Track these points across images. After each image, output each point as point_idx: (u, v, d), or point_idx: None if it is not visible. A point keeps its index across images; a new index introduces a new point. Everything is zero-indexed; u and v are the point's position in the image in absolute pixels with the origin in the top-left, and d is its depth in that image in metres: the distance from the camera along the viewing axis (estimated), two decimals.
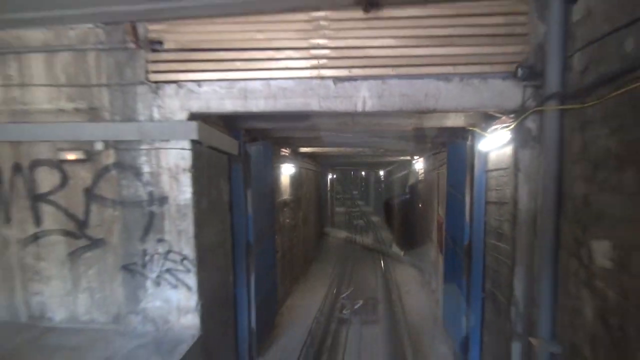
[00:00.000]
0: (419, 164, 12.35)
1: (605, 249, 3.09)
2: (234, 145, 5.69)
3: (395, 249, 15.87)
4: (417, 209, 12.84)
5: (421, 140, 8.00)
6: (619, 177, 2.90)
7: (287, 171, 9.75)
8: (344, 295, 9.96)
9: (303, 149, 10.75)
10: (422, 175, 11.80)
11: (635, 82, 2.65)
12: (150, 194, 4.63)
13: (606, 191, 3.06)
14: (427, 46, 4.18)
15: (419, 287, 10.92)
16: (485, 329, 5.49)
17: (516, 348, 4.43)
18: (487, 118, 4.92)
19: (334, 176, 30.37)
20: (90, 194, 4.72)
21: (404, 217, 14.60)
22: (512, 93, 4.14)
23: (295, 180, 10.97)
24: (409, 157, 13.34)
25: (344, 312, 8.85)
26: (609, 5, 3.06)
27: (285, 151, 9.28)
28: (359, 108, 4.36)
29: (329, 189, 25.32)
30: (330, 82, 4.35)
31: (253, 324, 6.09)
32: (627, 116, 2.82)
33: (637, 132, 2.70)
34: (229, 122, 5.49)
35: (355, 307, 8.99)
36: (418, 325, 7.98)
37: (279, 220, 8.78)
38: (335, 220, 27.02)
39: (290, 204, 10.38)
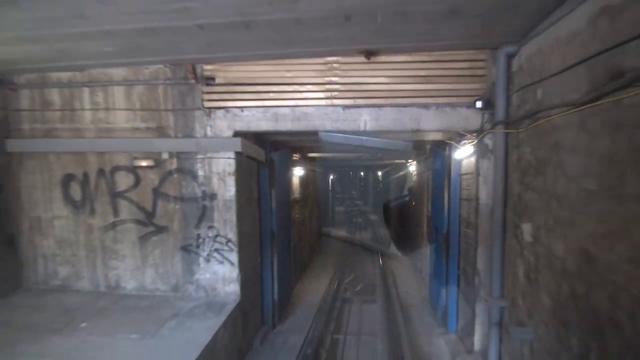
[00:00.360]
0: (412, 167, 13.85)
1: (528, 229, 4.58)
2: (262, 154, 7.18)
3: (394, 249, 17.00)
4: (414, 209, 14.31)
5: (412, 149, 9.46)
6: (535, 181, 4.39)
7: (297, 173, 11.23)
8: (346, 280, 11.44)
9: (310, 154, 12.24)
10: (416, 177, 13.29)
11: (541, 119, 4.15)
12: (204, 192, 6.12)
13: (529, 190, 4.56)
14: (411, 83, 5.67)
15: (411, 276, 12.40)
16: (460, 297, 6.97)
17: (479, 307, 5.93)
18: (460, 135, 6.41)
19: (334, 177, 31.80)
20: (157, 192, 6.21)
21: (403, 220, 15.90)
22: (474, 118, 5.64)
23: (303, 181, 12.46)
24: (404, 160, 14.84)
25: (347, 293, 10.34)
26: (529, 65, 4.56)
27: (296, 156, 10.76)
28: (361, 128, 5.85)
29: (330, 188, 26.80)
30: (340, 109, 5.84)
31: (275, 297, 7.58)
32: (537, 141, 4.32)
33: (542, 152, 4.20)
34: (259, 136, 6.97)
35: (356, 289, 10.47)
36: (409, 303, 9.47)
37: (291, 215, 10.26)
38: (335, 219, 28.52)
39: (300, 201, 11.87)
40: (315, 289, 10.67)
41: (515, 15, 4.10)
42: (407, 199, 15.98)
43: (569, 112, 3.55)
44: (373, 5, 3.83)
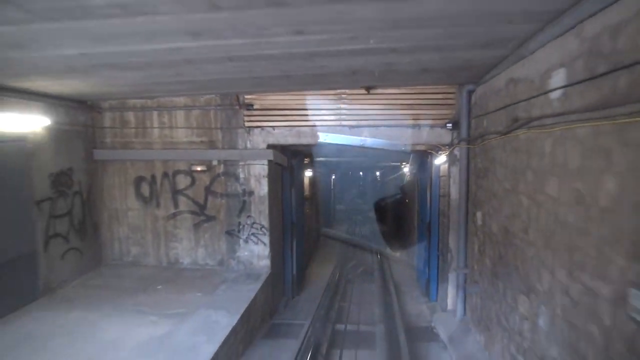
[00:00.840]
0: (406, 169, 15.83)
1: (480, 216, 6.56)
2: (285, 160, 9.15)
3: (388, 250, 18.74)
4: (406, 206, 16.25)
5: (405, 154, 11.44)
6: (483, 182, 6.37)
7: (308, 174, 13.21)
8: (348, 266, 13.43)
9: (318, 158, 14.21)
10: (408, 177, 15.27)
11: (485, 140, 6.12)
12: (244, 190, 8.08)
13: (480, 189, 6.53)
14: (400, 109, 7.63)
15: (404, 263, 14.40)
16: (439, 273, 8.95)
17: (451, 277, 7.90)
18: (437, 147, 8.38)
19: (336, 177, 33.74)
20: (208, 190, 8.18)
21: (396, 216, 17.86)
22: (446, 135, 7.62)
23: (312, 181, 14.44)
24: (398, 163, 16.82)
25: (349, 275, 12.31)
26: (480, 101, 6.54)
27: (307, 160, 12.73)
28: (363, 143, 7.82)
29: (332, 187, 28.78)
30: (347, 128, 7.81)
31: (294, 272, 9.56)
32: (484, 154, 6.30)
33: (486, 163, 6.17)
34: (284, 147, 8.92)
35: (357, 272, 12.44)
36: (401, 283, 11.44)
37: (304, 209, 12.24)
38: (336, 216, 30.53)
39: (309, 198, 13.84)
40: (322, 272, 12.64)
41: (469, 71, 6.06)
42: (399, 196, 17.93)
43: (497, 138, 5.53)
44: (371, 66, 5.79)
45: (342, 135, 7.84)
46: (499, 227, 5.53)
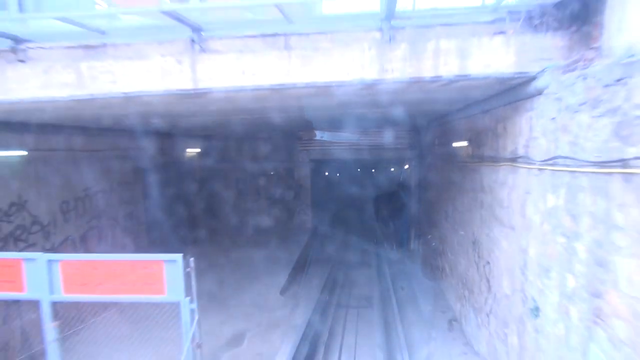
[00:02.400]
0: (403, 168, 22.01)
1: (429, 197, 12.81)
2: (313, 166, 15.39)
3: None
4: (400, 197, 22.36)
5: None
6: (430, 177, 12.63)
7: (324, 172, 19.44)
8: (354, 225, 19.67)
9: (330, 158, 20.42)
10: (405, 173, 21.47)
11: (427, 159, 12.34)
12: (298, 184, 14.33)
13: (428, 192, 12.78)
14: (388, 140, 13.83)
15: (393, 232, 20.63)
16: (410, 234, 15.17)
17: (412, 232, 14.15)
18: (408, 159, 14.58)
19: (342, 174, 39.90)
20: (277, 184, 14.46)
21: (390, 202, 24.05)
22: (411, 154, 13.86)
23: (325, 178, 20.66)
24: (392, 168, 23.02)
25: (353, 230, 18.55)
26: (424, 139, 12.75)
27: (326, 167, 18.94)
28: (364, 156, 14.08)
29: (338, 182, 35.04)
30: (351, 146, 14.05)
31: (322, 228, 15.87)
32: (426, 167, 12.57)
33: (426, 172, 12.40)
34: (317, 160, 15.13)
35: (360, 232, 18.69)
36: (393, 259, 17.65)
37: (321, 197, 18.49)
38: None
39: (323, 189, 20.10)
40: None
41: (420, 129, 12.24)
42: (394, 189, 23.99)
43: (430, 159, 11.76)
44: (370, 124, 11.95)
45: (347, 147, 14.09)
46: (432, 211, 11.76)
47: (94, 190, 8.03)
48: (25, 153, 6.36)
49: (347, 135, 13.20)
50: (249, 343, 7.21)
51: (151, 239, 9.88)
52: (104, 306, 6.32)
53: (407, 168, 14.70)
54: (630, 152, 2.63)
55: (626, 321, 2.70)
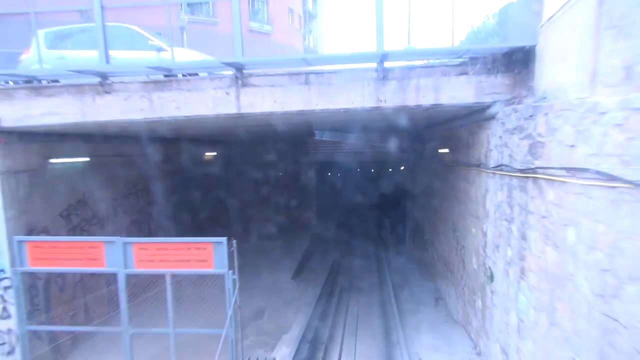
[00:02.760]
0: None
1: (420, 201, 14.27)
2: (321, 168, 16.86)
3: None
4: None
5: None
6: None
7: (327, 173, 20.90)
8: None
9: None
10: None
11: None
12: (304, 184, 15.78)
13: (420, 191, 14.23)
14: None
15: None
16: (408, 233, 16.62)
17: (408, 232, 15.61)
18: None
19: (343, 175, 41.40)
20: (288, 184, 15.91)
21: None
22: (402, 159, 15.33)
23: (330, 179, 22.14)
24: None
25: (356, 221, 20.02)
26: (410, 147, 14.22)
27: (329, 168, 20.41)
28: (364, 159, 15.55)
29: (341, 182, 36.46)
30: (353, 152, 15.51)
31: (324, 221, 17.33)
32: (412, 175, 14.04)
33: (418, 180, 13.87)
34: (322, 162, 16.58)
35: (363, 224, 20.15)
36: (391, 251, 19.11)
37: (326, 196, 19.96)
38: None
39: (329, 190, 21.57)
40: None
41: (412, 137, 13.68)
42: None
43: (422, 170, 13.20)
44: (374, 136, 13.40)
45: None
46: (424, 208, 13.21)
47: (136, 189, 9.47)
48: (87, 159, 7.80)
49: (345, 137, 14.48)
50: (268, 317, 8.65)
51: (184, 227, 11.18)
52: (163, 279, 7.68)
53: (403, 169, 16.17)
54: (537, 163, 4.08)
55: (534, 272, 4.17)
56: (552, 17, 4.34)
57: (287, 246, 13.44)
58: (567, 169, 3.42)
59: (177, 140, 10.47)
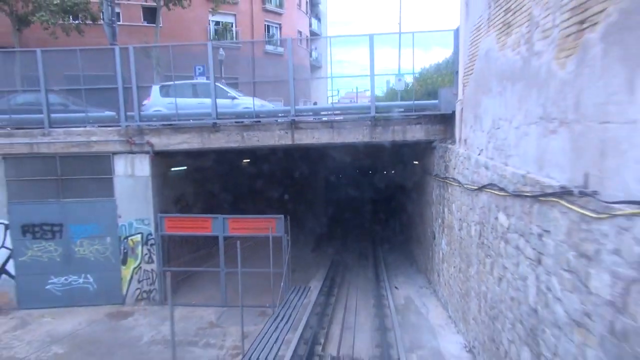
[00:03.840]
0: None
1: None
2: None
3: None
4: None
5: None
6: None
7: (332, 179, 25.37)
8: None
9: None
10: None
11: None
12: (312, 189, 20.21)
13: (407, 191, 18.73)
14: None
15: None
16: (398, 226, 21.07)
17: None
18: None
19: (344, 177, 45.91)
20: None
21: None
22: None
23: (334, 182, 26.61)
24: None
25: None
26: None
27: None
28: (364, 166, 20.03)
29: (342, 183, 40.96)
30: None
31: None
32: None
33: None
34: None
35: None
36: (384, 236, 23.55)
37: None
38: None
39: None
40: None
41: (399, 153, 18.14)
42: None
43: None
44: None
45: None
46: (408, 203, 17.67)
47: (211, 187, 13.86)
48: (185, 168, 12.19)
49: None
50: (299, 272, 13.07)
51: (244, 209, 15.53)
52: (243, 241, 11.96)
53: (393, 173, 20.64)
54: (447, 174, 8.52)
55: (445, 227, 8.63)
56: (459, 99, 8.79)
57: (305, 228, 17.86)
58: (453, 179, 7.88)
59: (247, 153, 14.71)
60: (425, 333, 7.55)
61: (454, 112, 8.80)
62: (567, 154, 3.53)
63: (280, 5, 29.35)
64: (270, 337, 7.16)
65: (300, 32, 32.72)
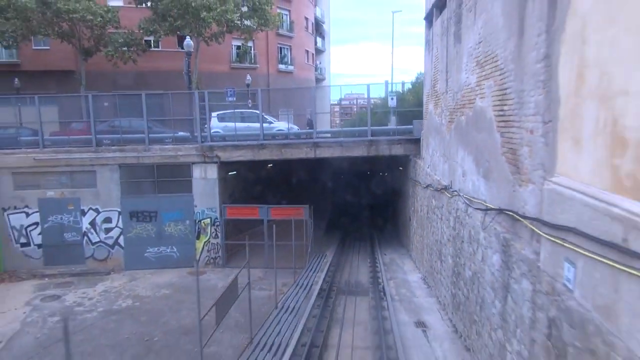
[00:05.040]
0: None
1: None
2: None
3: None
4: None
5: None
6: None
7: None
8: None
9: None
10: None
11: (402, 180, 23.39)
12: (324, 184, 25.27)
13: (397, 190, 23.79)
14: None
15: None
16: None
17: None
18: None
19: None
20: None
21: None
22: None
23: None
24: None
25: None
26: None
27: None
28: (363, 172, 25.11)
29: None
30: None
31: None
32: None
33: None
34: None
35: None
36: (378, 225, 28.59)
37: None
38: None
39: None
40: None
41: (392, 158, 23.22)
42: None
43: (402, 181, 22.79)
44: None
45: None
46: (398, 200, 22.77)
47: (251, 186, 18.90)
48: (235, 172, 17.23)
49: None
50: (313, 248, 18.15)
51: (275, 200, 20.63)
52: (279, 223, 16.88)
53: (386, 176, 25.69)
54: (416, 178, 13.59)
55: (415, 212, 13.72)
56: (423, 131, 13.86)
57: (317, 217, 22.90)
58: (417, 181, 12.95)
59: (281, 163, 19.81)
60: (399, 273, 12.63)
61: (420, 138, 13.87)
62: (447, 172, 8.60)
63: (291, 30, 34.37)
64: (306, 278, 12.24)
65: (307, 51, 37.80)
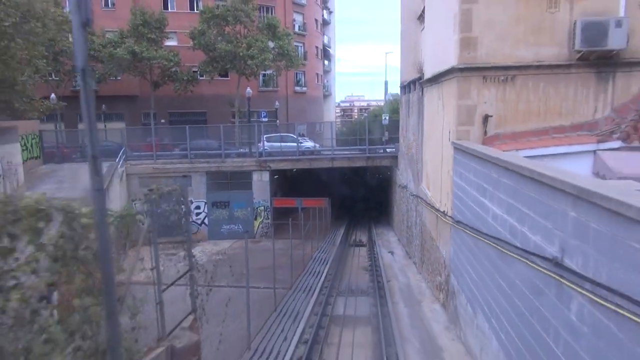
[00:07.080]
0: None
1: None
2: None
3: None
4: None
5: None
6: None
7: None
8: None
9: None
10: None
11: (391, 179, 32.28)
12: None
13: (390, 190, 32.67)
14: None
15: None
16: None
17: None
18: None
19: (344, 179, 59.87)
20: None
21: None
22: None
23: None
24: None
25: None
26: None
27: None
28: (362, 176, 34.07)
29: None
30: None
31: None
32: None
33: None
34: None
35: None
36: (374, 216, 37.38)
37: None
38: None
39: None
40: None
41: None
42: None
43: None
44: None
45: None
46: (391, 197, 31.64)
47: (288, 185, 27.70)
48: (277, 176, 26.04)
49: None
50: (332, 226, 27.04)
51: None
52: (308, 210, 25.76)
53: (381, 178, 34.49)
54: (397, 182, 22.45)
55: (397, 207, 22.62)
56: (400, 152, 22.74)
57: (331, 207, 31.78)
58: (397, 184, 21.82)
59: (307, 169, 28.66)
60: (384, 236, 21.77)
61: (397, 156, 22.71)
62: (406, 178, 17.45)
63: (305, 58, 43.15)
64: (328, 243, 21.14)
65: (317, 74, 46.62)
